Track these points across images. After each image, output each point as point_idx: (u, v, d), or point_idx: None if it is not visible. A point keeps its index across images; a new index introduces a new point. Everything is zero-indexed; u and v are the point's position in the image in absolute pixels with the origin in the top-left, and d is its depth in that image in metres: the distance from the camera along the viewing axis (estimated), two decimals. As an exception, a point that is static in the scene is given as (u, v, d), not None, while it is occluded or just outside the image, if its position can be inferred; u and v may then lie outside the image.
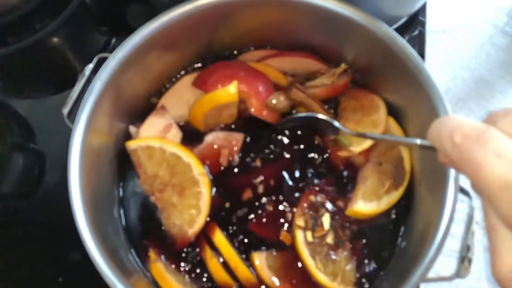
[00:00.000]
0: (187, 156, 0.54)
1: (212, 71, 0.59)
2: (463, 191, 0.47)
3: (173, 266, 0.53)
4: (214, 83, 0.58)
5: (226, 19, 0.58)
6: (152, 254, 0.53)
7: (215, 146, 0.57)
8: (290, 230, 0.54)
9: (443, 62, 0.72)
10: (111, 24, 0.79)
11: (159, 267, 0.52)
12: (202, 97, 0.57)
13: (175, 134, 0.57)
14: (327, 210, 0.54)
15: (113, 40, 0.78)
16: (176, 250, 0.54)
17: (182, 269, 0.53)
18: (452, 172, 0.46)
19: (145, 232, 0.56)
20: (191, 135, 0.59)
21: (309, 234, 0.52)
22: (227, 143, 0.58)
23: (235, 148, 0.58)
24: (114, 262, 0.46)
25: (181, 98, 0.60)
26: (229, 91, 0.56)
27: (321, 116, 0.56)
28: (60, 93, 0.74)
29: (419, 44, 0.72)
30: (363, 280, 0.53)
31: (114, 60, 0.52)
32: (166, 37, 0.55)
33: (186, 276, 0.53)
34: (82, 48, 0.77)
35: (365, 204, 0.53)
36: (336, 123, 0.55)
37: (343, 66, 0.60)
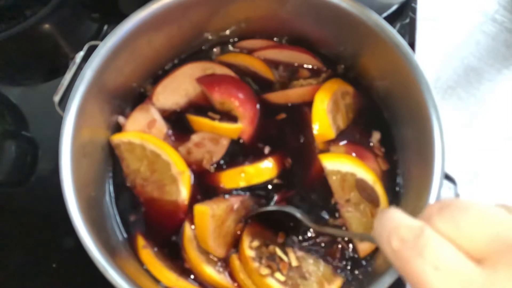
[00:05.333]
0: (167, 155, 0.55)
1: (220, 80, 0.60)
2: (448, 177, 0.48)
3: (160, 252, 0.54)
4: (217, 91, 0.59)
5: (217, 8, 0.58)
6: (140, 241, 0.54)
7: (200, 146, 0.58)
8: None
9: (433, 50, 0.73)
10: (103, 11, 0.78)
11: (149, 253, 0.53)
12: (206, 122, 0.58)
13: (160, 129, 0.58)
14: (272, 243, 0.53)
15: (105, 27, 0.78)
16: (163, 237, 0.55)
17: (170, 256, 0.54)
18: (437, 159, 0.47)
19: (135, 219, 0.56)
20: (183, 127, 0.59)
21: (278, 275, 0.51)
22: (212, 145, 0.58)
23: (219, 152, 0.58)
24: (106, 248, 0.47)
25: (180, 86, 0.61)
26: (233, 130, 0.57)
27: (286, 209, 0.54)
28: (52, 81, 0.73)
29: (410, 31, 0.72)
30: (345, 265, 0.54)
31: (105, 47, 0.52)
32: (157, 25, 0.55)
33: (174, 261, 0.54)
34: (74, 35, 0.76)
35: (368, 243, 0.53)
36: (298, 215, 0.53)
37: (325, 74, 0.61)
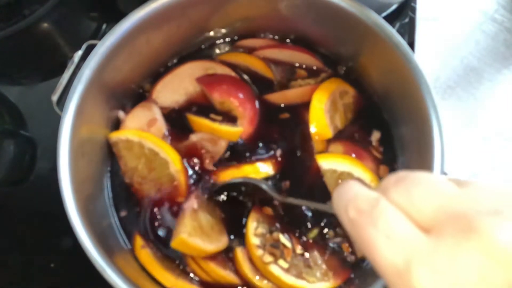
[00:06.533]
0: (165, 153, 0.55)
1: (220, 80, 0.60)
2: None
3: (159, 252, 0.54)
4: (217, 90, 0.59)
5: (216, 7, 0.58)
6: (138, 240, 0.54)
7: (199, 146, 0.58)
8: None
9: (432, 50, 0.72)
10: (101, 10, 0.78)
11: (147, 253, 0.53)
12: (207, 123, 0.58)
13: (159, 128, 0.58)
14: (276, 229, 0.53)
15: (104, 26, 0.77)
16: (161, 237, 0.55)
17: (169, 255, 0.54)
18: (436, 159, 0.47)
19: (133, 218, 0.56)
20: (182, 125, 0.59)
21: (282, 262, 0.51)
22: (211, 145, 0.58)
23: (218, 152, 0.57)
24: (105, 248, 0.47)
25: (180, 85, 0.61)
26: (234, 134, 0.57)
27: (251, 180, 0.54)
28: (51, 80, 0.73)
29: (410, 31, 0.71)
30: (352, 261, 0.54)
31: (103, 47, 0.52)
32: (156, 24, 0.55)
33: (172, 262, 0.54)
34: (72, 34, 0.76)
35: None
36: (264, 186, 0.53)
37: (324, 74, 0.61)
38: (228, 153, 0.58)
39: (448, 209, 0.23)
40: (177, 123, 0.59)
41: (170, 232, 0.54)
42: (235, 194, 0.55)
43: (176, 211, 0.54)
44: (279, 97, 0.61)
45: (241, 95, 0.59)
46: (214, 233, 0.53)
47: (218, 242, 0.52)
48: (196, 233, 0.51)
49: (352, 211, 0.25)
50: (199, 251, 0.51)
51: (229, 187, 0.55)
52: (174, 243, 0.50)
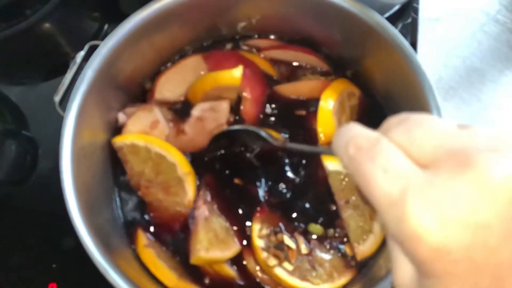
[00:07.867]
0: (172, 156, 0.54)
1: (225, 56, 0.60)
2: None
3: (163, 252, 0.54)
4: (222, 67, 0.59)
5: (219, 8, 0.58)
6: (141, 240, 0.54)
7: (203, 119, 0.57)
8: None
9: (435, 50, 0.72)
10: (104, 10, 0.78)
11: (150, 253, 0.53)
12: (206, 75, 0.57)
13: (162, 130, 0.57)
14: (280, 230, 0.53)
15: (106, 26, 0.77)
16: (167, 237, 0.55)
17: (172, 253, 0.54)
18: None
19: (137, 219, 0.56)
20: (185, 113, 0.59)
21: (286, 265, 0.51)
22: (213, 113, 0.57)
23: (223, 116, 0.57)
24: (107, 249, 0.46)
25: (183, 79, 0.61)
26: (233, 75, 0.56)
27: (249, 128, 0.53)
28: (52, 80, 0.73)
29: (412, 31, 0.71)
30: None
31: (105, 48, 0.52)
32: (158, 25, 0.55)
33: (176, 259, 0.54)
34: (74, 34, 0.76)
35: (365, 245, 0.52)
36: (263, 133, 0.52)
37: (333, 76, 0.62)
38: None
39: (447, 146, 0.24)
40: (183, 108, 0.60)
41: (174, 233, 0.55)
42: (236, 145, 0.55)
43: (184, 212, 0.54)
44: (288, 88, 0.60)
45: (247, 72, 0.58)
46: (229, 236, 0.53)
47: (234, 246, 0.53)
48: (212, 245, 0.51)
49: (352, 148, 0.26)
50: (219, 260, 0.52)
51: (227, 137, 0.55)
52: (193, 260, 0.51)
